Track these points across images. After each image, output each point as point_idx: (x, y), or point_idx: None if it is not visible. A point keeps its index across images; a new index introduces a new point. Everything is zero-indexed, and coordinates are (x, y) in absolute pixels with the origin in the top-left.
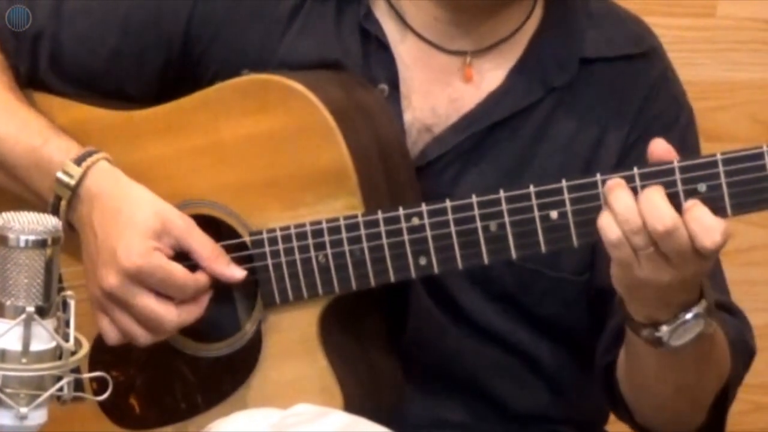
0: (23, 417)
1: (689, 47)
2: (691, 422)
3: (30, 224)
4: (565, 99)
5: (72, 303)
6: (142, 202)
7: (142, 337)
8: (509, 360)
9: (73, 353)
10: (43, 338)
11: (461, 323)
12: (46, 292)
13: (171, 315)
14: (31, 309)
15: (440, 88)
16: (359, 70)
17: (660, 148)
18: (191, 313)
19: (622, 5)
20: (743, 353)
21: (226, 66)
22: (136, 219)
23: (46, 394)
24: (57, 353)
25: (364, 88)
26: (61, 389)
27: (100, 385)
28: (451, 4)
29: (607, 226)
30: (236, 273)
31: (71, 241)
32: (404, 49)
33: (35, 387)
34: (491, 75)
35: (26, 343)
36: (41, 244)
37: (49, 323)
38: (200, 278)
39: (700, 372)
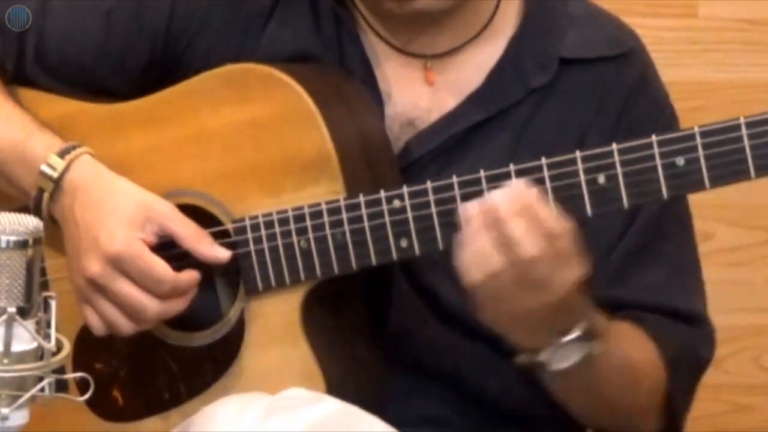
0: (4, 418)
1: (671, 48)
2: (638, 429)
3: (11, 225)
4: (546, 100)
5: (53, 303)
6: (124, 192)
7: (125, 326)
8: (492, 355)
9: (54, 354)
10: (24, 339)
11: (442, 316)
12: (27, 292)
13: (153, 303)
14: (12, 310)
15: (417, 84)
16: (336, 59)
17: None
18: (174, 303)
19: (604, 6)
20: (690, 365)
21: (208, 61)
22: (118, 209)
23: (28, 395)
24: (38, 354)
25: (345, 80)
26: (42, 390)
27: (82, 382)
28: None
29: (469, 267)
30: (220, 253)
31: (54, 234)
32: (374, 41)
33: (16, 388)
34: (468, 77)
35: (7, 344)
36: (22, 244)
37: (30, 324)
38: (182, 277)
39: (608, 389)
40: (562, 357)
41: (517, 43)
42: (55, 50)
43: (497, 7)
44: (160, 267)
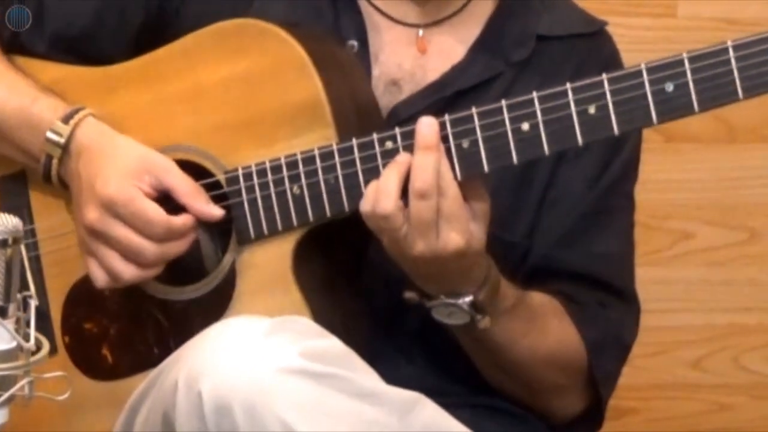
0: None
1: (650, 47)
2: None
3: None
4: (524, 72)
5: (32, 303)
6: (125, 147)
7: (127, 271)
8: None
9: (34, 353)
10: (3, 338)
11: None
12: (6, 291)
13: (150, 244)
14: None
15: (405, 49)
16: (330, 27)
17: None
18: (172, 245)
19: (583, 6)
20: (614, 347)
21: (200, 25)
22: (117, 159)
23: (7, 394)
24: (17, 353)
25: (336, 44)
26: (22, 389)
27: (72, 337)
28: None
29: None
30: (214, 211)
31: (52, 192)
32: (371, 11)
33: None
34: (453, 49)
35: None
36: (1, 244)
37: (10, 323)
38: (175, 219)
39: (508, 360)
40: (445, 314)
41: (496, 19)
42: (54, 17)
43: None
44: (152, 210)
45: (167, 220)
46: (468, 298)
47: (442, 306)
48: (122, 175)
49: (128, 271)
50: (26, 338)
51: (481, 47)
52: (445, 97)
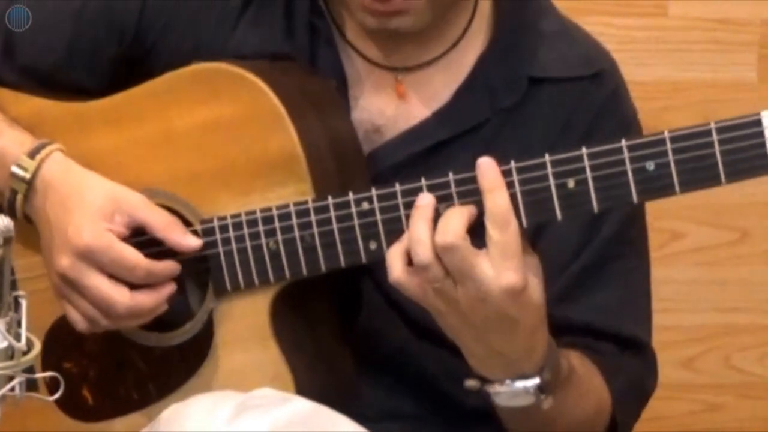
0: None
1: (640, 47)
2: None
3: None
4: (512, 119)
5: (24, 303)
6: (93, 186)
7: (101, 320)
8: (455, 361)
9: (25, 353)
10: None
11: (408, 322)
12: None
13: (123, 296)
14: None
15: (386, 94)
16: (306, 62)
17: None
18: (147, 298)
19: (574, 6)
20: (636, 396)
21: (176, 57)
22: (86, 201)
23: None
24: (9, 353)
25: (316, 79)
26: (12, 389)
27: (52, 380)
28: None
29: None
30: (192, 242)
31: (24, 232)
32: (350, 51)
33: None
34: (436, 93)
35: None
36: None
37: (1, 323)
38: (156, 264)
39: (550, 428)
40: (509, 398)
41: (486, 60)
42: (26, 49)
43: (470, 22)
44: (131, 254)
45: (148, 264)
46: (535, 381)
47: (506, 393)
48: (93, 218)
49: (102, 321)
50: (17, 338)
51: (467, 90)
52: (421, 150)
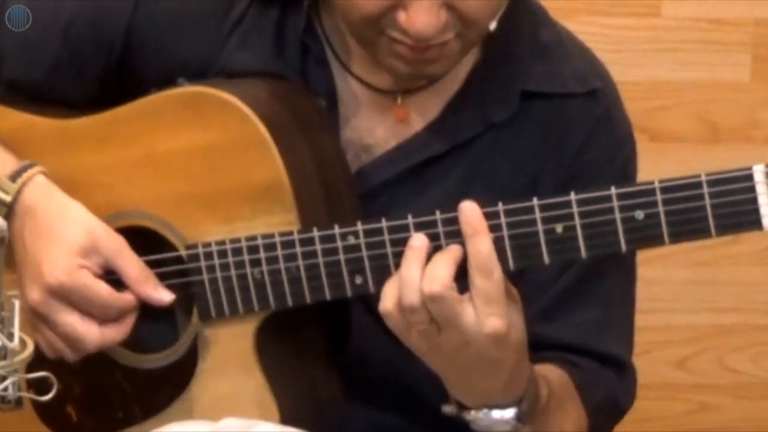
0: None
1: (634, 47)
2: None
3: None
4: (504, 135)
5: (17, 303)
6: (73, 218)
7: (69, 354)
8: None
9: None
10: None
11: (396, 342)
12: None
13: (93, 335)
14: None
15: (381, 116)
16: (297, 81)
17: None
18: (115, 333)
19: (567, 7)
20: (610, 414)
21: (164, 73)
22: (64, 235)
23: None
24: (2, 353)
25: (305, 98)
26: (5, 389)
27: (37, 391)
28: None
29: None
30: (164, 296)
31: (9, 252)
32: (343, 71)
33: None
34: (429, 108)
35: None
36: None
37: None
38: (127, 297)
39: None
40: (487, 426)
41: (478, 74)
42: (10, 66)
43: None
44: (105, 293)
45: (120, 300)
46: (512, 411)
47: (484, 421)
48: (69, 254)
49: (70, 354)
50: (10, 338)
51: (459, 105)
52: (412, 165)
